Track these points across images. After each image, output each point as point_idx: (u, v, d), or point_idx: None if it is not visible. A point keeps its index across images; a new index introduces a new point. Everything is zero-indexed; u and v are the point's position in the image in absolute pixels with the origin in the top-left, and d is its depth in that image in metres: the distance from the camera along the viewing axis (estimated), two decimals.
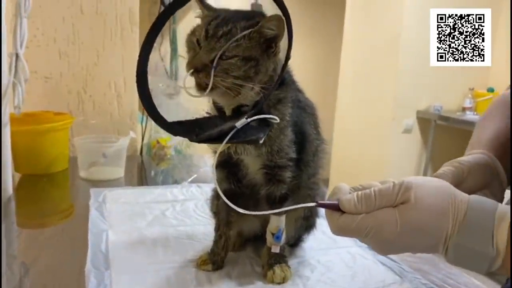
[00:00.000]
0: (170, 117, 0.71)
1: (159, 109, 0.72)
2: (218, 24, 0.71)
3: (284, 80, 0.77)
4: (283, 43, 0.71)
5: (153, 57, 1.67)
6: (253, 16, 0.74)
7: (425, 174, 3.55)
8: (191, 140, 0.68)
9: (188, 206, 1.16)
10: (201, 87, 0.71)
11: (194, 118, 0.73)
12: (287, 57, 0.69)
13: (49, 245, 0.98)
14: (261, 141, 0.68)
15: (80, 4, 1.63)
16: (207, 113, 0.78)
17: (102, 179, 1.38)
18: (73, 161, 1.47)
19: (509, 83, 0.89)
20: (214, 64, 0.69)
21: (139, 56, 0.69)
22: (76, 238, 0.99)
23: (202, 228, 1.02)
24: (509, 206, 0.55)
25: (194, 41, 0.73)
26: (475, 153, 0.73)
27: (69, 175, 1.45)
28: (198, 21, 0.76)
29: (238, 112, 0.75)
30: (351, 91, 3.93)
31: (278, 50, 0.73)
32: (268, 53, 0.72)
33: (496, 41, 3.05)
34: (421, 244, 0.55)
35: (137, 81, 0.69)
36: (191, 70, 0.70)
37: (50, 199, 1.27)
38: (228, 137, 0.66)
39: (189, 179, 1.50)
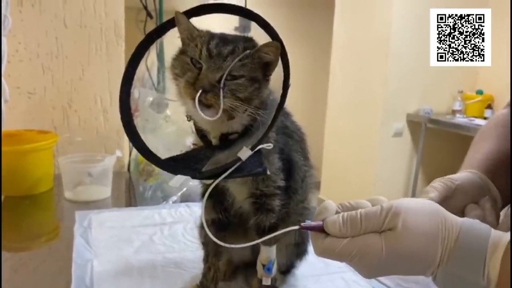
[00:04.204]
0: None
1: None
2: (218, 43, 0.69)
3: (267, 105, 0.73)
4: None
5: (141, 69, 1.64)
6: (247, 39, 0.72)
7: (416, 177, 3.56)
8: (194, 178, 0.65)
9: (176, 230, 1.13)
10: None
11: (184, 152, 0.70)
12: (284, 95, 0.67)
13: (32, 273, 0.95)
14: (268, 172, 0.66)
15: (63, 18, 1.59)
16: (193, 144, 0.75)
17: (88, 200, 1.34)
18: (58, 179, 1.42)
19: (497, 85, 0.89)
20: (222, 84, 0.66)
21: (120, 97, 0.67)
22: (60, 267, 0.95)
23: (191, 254, 0.99)
24: (502, 232, 0.53)
25: (189, 61, 0.69)
26: (465, 172, 0.75)
27: (53, 196, 1.41)
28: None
29: (226, 141, 0.72)
30: (341, 95, 3.93)
31: (270, 78, 0.71)
32: (265, 78, 0.71)
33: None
34: (408, 270, 0.54)
35: (125, 128, 0.67)
36: (200, 91, 0.65)
37: (34, 223, 1.23)
38: (230, 170, 0.64)
39: (179, 193, 1.47)
